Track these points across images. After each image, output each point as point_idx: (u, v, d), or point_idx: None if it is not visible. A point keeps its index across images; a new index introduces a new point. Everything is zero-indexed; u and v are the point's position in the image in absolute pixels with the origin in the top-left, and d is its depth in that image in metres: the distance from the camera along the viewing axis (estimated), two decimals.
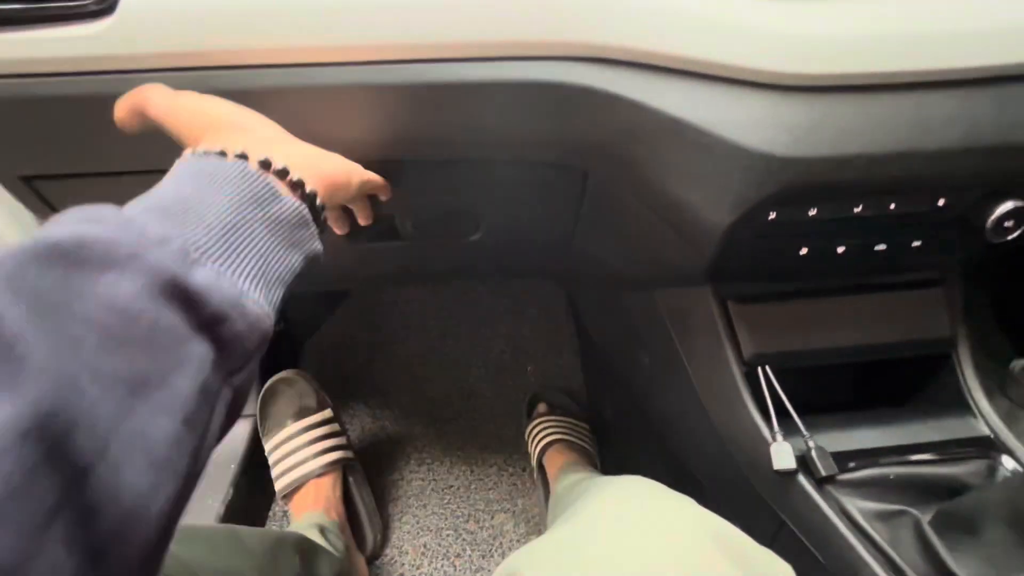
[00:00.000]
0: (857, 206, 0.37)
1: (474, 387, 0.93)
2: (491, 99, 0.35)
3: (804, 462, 0.41)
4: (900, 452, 0.42)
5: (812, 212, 0.37)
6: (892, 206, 0.38)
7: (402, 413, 0.91)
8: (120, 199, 0.43)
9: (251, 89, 0.35)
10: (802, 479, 0.41)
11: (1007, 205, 0.37)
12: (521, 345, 0.98)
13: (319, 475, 0.69)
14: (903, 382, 0.49)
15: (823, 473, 0.40)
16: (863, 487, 0.40)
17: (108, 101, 0.35)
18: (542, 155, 0.40)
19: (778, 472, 0.41)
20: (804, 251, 0.40)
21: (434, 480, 0.82)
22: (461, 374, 0.95)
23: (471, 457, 0.85)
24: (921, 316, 0.47)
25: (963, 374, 0.46)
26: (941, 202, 0.38)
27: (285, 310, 0.88)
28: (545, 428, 0.80)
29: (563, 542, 0.31)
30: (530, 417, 0.85)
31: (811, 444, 0.41)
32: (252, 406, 0.79)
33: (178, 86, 0.34)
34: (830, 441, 0.42)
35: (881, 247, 0.40)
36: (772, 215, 0.37)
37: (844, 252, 0.40)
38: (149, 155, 0.39)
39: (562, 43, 0.33)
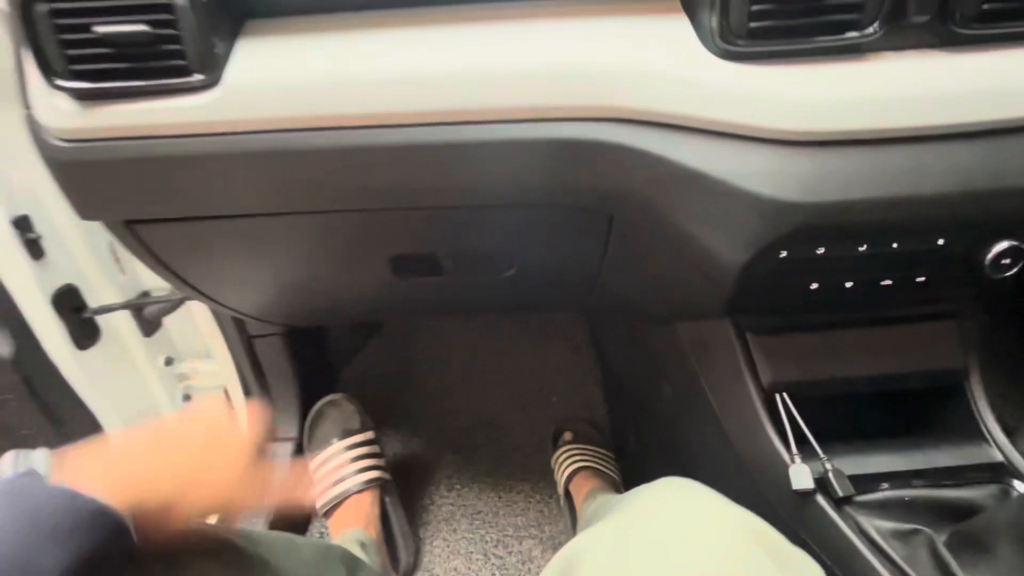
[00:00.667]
0: (862, 245, 0.41)
1: (499, 417, 0.97)
2: (534, 154, 0.41)
3: (822, 483, 0.44)
4: (915, 477, 0.45)
5: (820, 251, 0.41)
6: (895, 245, 0.41)
7: (431, 441, 0.94)
8: (208, 238, 0.49)
9: (327, 147, 0.41)
10: (820, 499, 0.43)
11: (1003, 244, 0.41)
12: (544, 376, 1.02)
13: (359, 491, 0.72)
14: (919, 410, 0.52)
15: (840, 493, 0.43)
16: (879, 508, 0.42)
17: (210, 158, 0.41)
18: (574, 201, 0.45)
19: (797, 492, 0.43)
20: (815, 286, 0.44)
21: (463, 506, 0.85)
22: (487, 404, 0.98)
23: (499, 484, 0.87)
24: (933, 348, 0.49)
25: (976, 403, 0.48)
26: (940, 241, 0.41)
27: (325, 339, 0.94)
28: (571, 456, 0.83)
29: (615, 531, 0.34)
30: (555, 446, 0.88)
31: (828, 467, 0.44)
32: (293, 429, 0.84)
33: (267, 146, 0.40)
34: (846, 465, 0.45)
35: (887, 283, 0.44)
36: (784, 254, 0.41)
37: (852, 287, 0.44)
38: (239, 202, 0.45)
39: (597, 107, 0.39)
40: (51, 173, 0.43)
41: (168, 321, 0.85)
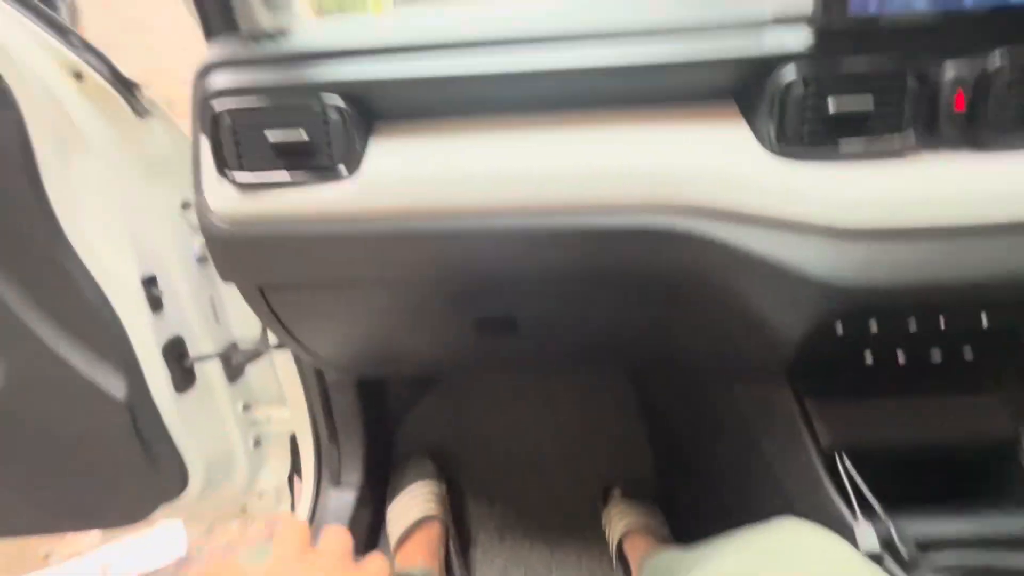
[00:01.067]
0: (911, 323, 0.46)
1: (549, 469, 1.00)
2: (617, 238, 0.47)
3: (888, 546, 0.46)
4: (976, 544, 0.47)
5: (872, 327, 0.46)
6: (942, 324, 0.46)
7: (482, 492, 0.97)
8: (323, 301, 0.57)
9: (443, 230, 0.48)
10: (889, 562, 0.45)
11: None
12: (592, 429, 1.05)
13: (427, 520, 0.76)
14: (976, 476, 0.54)
15: (907, 558, 0.45)
16: (942, 573, 0.44)
17: (343, 238, 0.49)
18: (647, 278, 0.51)
19: (863, 554, 0.46)
20: (869, 358, 0.48)
21: (516, 560, 0.86)
22: (536, 457, 1.01)
23: (550, 539, 0.89)
24: (987, 417, 0.52)
25: None
26: (984, 321, 0.46)
27: (387, 391, 1.00)
28: (622, 516, 0.85)
29: (746, 572, 0.36)
30: (605, 503, 0.90)
31: (893, 530, 0.47)
32: (358, 475, 0.88)
33: (396, 229, 0.48)
34: (907, 528, 0.47)
35: (936, 356, 0.48)
36: (839, 329, 0.46)
37: (903, 360, 0.48)
38: (360, 273, 0.53)
39: (670, 202, 0.46)
40: (208, 246, 0.51)
41: (248, 369, 0.92)
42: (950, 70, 0.43)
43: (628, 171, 0.46)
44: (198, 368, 0.82)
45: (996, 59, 0.42)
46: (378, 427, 0.96)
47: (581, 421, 1.06)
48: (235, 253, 0.51)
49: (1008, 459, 0.51)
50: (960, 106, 0.43)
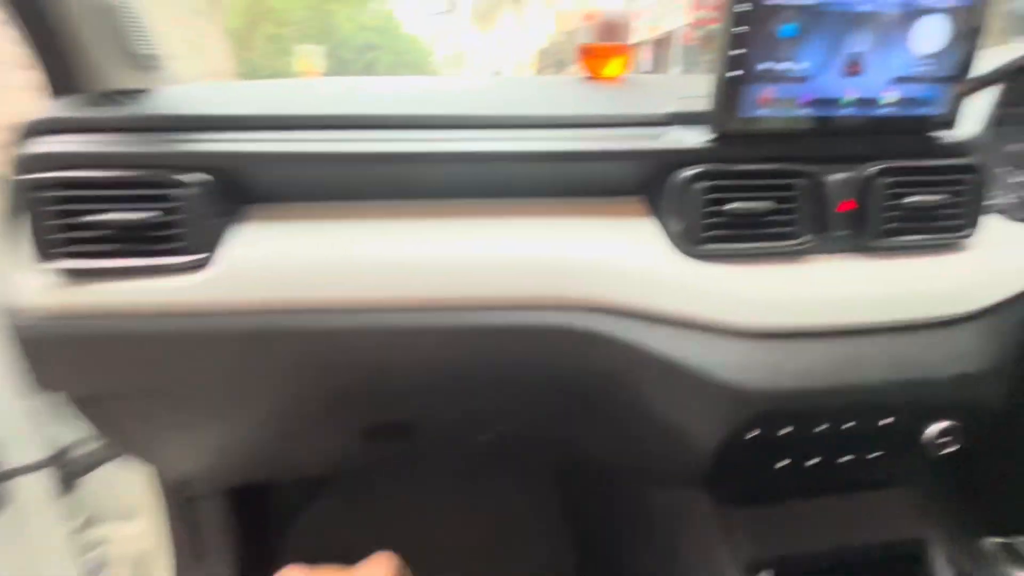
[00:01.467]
0: (818, 426, 0.45)
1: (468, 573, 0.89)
2: (511, 338, 0.43)
3: None
4: None
5: (783, 432, 0.44)
6: (850, 425, 0.45)
7: None
8: (176, 410, 0.47)
9: (310, 329, 0.41)
10: None
11: (938, 425, 0.45)
12: (511, 530, 0.96)
13: None
14: None
15: None
16: None
17: (194, 336, 0.41)
18: (554, 379, 0.47)
19: None
20: (783, 463, 0.46)
21: None
22: (451, 562, 0.90)
23: None
24: (898, 517, 0.52)
25: (936, 571, 0.49)
26: (885, 422, 0.46)
27: (269, 495, 0.85)
28: None
29: None
30: None
31: None
32: None
33: (252, 326, 0.40)
34: None
35: (845, 458, 0.47)
36: (751, 434, 0.44)
37: (815, 464, 0.46)
38: (215, 377, 0.44)
39: (570, 299, 0.42)
40: (19, 348, 0.40)
41: (86, 480, 0.75)
42: (835, 175, 0.45)
43: (524, 263, 0.42)
44: (14, 483, 0.65)
45: (875, 167, 0.44)
46: (258, 538, 0.81)
47: (500, 520, 0.97)
48: (56, 357, 0.41)
49: (917, 561, 0.51)
50: (846, 209, 0.45)
